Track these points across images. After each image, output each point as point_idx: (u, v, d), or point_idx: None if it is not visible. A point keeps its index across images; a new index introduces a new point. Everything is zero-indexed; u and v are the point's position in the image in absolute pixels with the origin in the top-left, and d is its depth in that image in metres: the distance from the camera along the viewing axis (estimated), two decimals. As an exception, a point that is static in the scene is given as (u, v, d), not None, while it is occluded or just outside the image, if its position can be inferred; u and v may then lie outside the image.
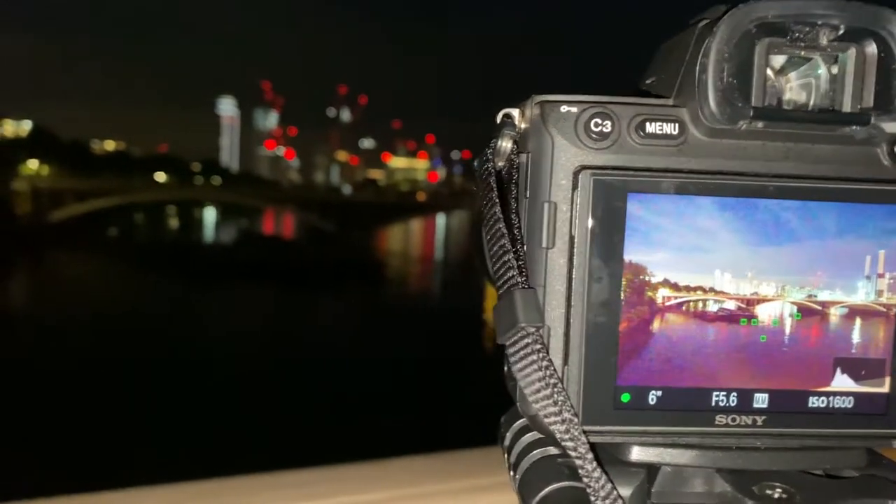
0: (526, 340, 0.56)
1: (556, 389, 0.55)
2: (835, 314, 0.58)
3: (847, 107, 0.55)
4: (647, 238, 0.56)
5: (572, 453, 0.54)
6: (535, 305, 0.57)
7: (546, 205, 0.57)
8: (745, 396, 0.58)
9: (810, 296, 0.58)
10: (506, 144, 0.61)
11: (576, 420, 0.54)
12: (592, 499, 0.53)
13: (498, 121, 0.62)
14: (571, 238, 0.56)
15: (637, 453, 0.60)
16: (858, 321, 0.58)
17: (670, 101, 0.57)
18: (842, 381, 0.59)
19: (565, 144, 0.56)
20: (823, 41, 0.55)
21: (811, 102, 0.56)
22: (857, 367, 0.58)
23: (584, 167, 0.56)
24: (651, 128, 0.55)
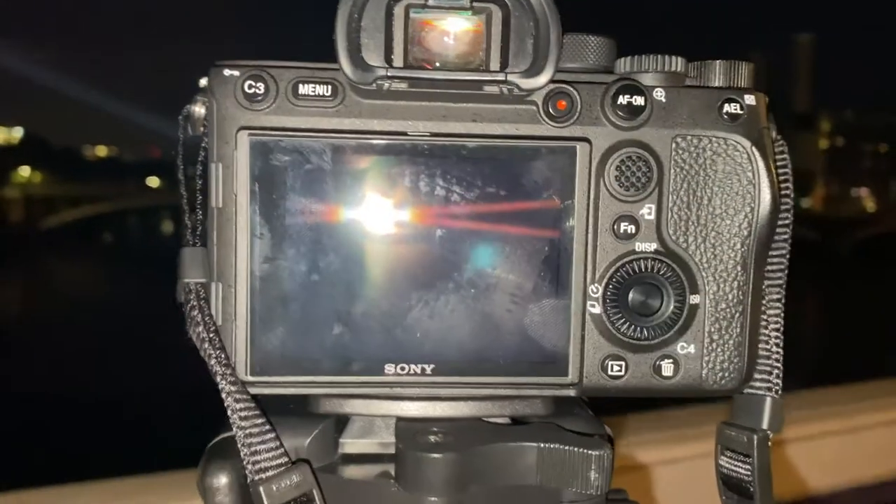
0: (190, 297, 0.58)
1: (212, 343, 0.57)
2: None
3: (490, 65, 0.58)
4: (307, 195, 0.58)
5: (225, 403, 0.56)
6: (200, 262, 0.59)
7: (213, 165, 0.59)
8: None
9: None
10: (198, 110, 0.62)
11: (227, 371, 0.57)
12: (239, 445, 0.56)
13: (200, 86, 0.64)
14: (235, 197, 0.58)
15: (321, 404, 0.63)
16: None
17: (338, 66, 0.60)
18: (510, 331, 0.61)
19: (226, 107, 0.58)
20: (462, 3, 0.57)
21: (454, 62, 0.58)
22: None
23: (242, 128, 0.58)
24: (304, 89, 0.58)
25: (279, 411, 0.61)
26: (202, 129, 0.62)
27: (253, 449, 0.55)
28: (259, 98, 0.57)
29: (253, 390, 0.59)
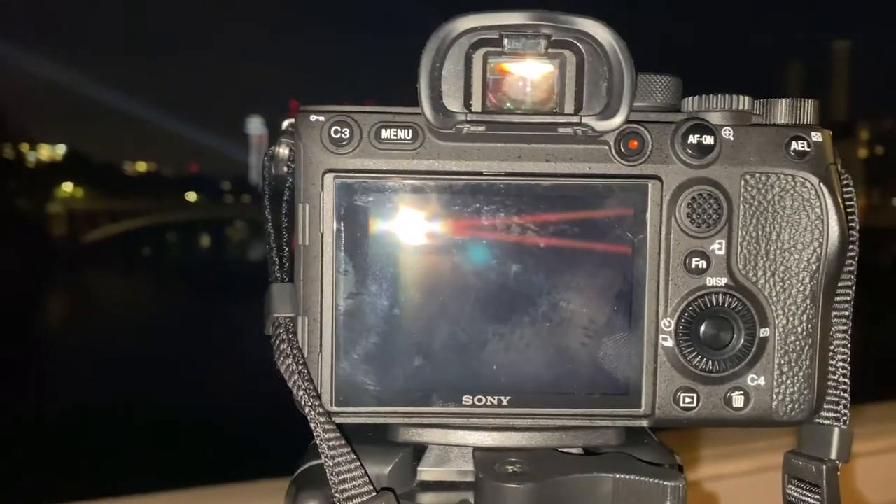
0: (279, 330, 0.61)
1: (301, 375, 0.60)
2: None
3: (565, 108, 0.60)
4: (389, 233, 0.61)
5: (314, 433, 0.59)
6: (288, 297, 0.62)
7: (300, 206, 0.62)
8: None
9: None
10: (283, 151, 0.66)
11: (316, 402, 0.59)
12: (328, 474, 0.58)
13: (283, 128, 0.67)
14: (321, 235, 0.61)
15: (400, 433, 0.65)
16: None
17: (417, 110, 0.62)
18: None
19: (313, 151, 0.61)
20: (538, 49, 0.59)
21: (529, 105, 0.60)
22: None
23: (328, 170, 0.61)
24: (387, 133, 0.61)
25: (359, 439, 0.64)
26: (286, 169, 0.65)
27: (341, 478, 0.58)
28: (344, 142, 0.60)
29: (337, 420, 0.61)
